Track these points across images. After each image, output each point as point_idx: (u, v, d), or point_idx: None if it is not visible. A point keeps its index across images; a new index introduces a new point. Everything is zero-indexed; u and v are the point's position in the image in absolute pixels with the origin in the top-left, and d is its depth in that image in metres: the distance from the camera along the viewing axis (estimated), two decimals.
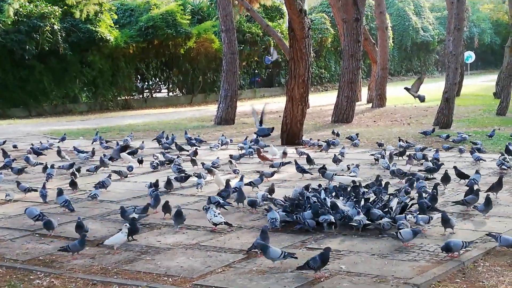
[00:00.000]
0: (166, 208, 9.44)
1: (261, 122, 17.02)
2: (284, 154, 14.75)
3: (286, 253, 7.00)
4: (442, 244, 7.33)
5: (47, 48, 31.52)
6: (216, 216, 8.70)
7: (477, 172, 11.29)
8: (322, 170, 11.90)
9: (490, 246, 7.62)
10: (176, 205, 9.28)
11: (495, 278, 6.67)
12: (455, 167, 11.70)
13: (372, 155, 14.45)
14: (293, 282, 6.59)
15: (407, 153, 14.41)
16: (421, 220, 8.38)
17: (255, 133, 16.66)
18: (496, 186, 10.23)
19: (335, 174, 11.73)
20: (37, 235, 8.68)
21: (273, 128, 17.87)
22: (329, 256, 6.82)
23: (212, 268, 7.11)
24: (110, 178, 11.74)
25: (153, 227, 9.05)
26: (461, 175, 11.53)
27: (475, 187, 10.20)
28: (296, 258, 7.02)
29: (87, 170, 13.52)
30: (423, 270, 6.84)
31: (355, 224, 8.35)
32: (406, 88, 26.02)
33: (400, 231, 7.78)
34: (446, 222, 8.16)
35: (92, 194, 10.83)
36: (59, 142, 18.03)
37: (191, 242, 8.17)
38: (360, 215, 8.44)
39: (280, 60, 40.27)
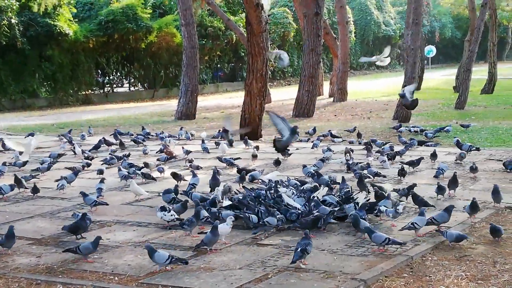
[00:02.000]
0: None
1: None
2: (254, 157, 14.03)
3: (173, 258, 6.83)
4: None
5: (4, 43, 30.98)
6: (166, 214, 8.58)
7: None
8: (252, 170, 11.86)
9: (439, 240, 7.65)
10: None
11: (442, 272, 6.69)
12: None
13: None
14: (240, 279, 6.53)
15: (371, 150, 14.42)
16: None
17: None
18: (451, 184, 10.21)
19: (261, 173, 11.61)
20: None
21: None
22: None
23: (160, 266, 7.01)
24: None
25: (103, 224, 8.91)
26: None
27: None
28: (186, 263, 6.92)
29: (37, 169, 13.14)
30: (371, 265, 6.83)
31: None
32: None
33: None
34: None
35: (59, 185, 11.00)
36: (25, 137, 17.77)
37: (140, 240, 8.06)
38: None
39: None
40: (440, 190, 9.81)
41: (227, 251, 7.54)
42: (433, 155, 12.99)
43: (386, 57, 11.67)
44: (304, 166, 11.87)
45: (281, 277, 6.58)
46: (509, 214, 9.04)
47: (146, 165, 12.69)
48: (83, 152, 14.97)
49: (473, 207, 8.57)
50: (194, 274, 6.73)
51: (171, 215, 8.58)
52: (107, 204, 9.77)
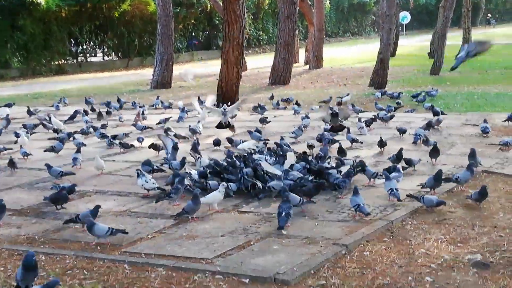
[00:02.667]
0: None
1: None
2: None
3: (114, 230, 6.76)
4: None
5: None
6: (148, 182, 8.57)
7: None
8: (230, 138, 11.86)
9: (418, 205, 7.73)
10: None
11: (422, 236, 6.78)
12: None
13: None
14: (223, 246, 6.55)
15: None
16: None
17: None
18: (433, 153, 10.14)
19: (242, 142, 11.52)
20: None
21: None
22: None
23: (142, 235, 7.01)
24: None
25: (83, 194, 8.87)
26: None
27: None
28: (126, 233, 6.87)
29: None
30: (352, 230, 6.90)
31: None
32: None
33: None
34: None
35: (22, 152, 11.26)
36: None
37: (121, 209, 8.05)
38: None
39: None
40: (408, 163, 9.70)
41: (209, 219, 7.56)
42: (428, 125, 12.65)
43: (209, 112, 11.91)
44: (250, 132, 12.09)
45: (264, 244, 6.61)
46: (486, 178, 9.16)
47: (115, 137, 12.62)
48: (50, 129, 14.61)
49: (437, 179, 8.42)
50: (177, 242, 6.74)
51: (153, 183, 8.58)
52: (74, 174, 9.78)
